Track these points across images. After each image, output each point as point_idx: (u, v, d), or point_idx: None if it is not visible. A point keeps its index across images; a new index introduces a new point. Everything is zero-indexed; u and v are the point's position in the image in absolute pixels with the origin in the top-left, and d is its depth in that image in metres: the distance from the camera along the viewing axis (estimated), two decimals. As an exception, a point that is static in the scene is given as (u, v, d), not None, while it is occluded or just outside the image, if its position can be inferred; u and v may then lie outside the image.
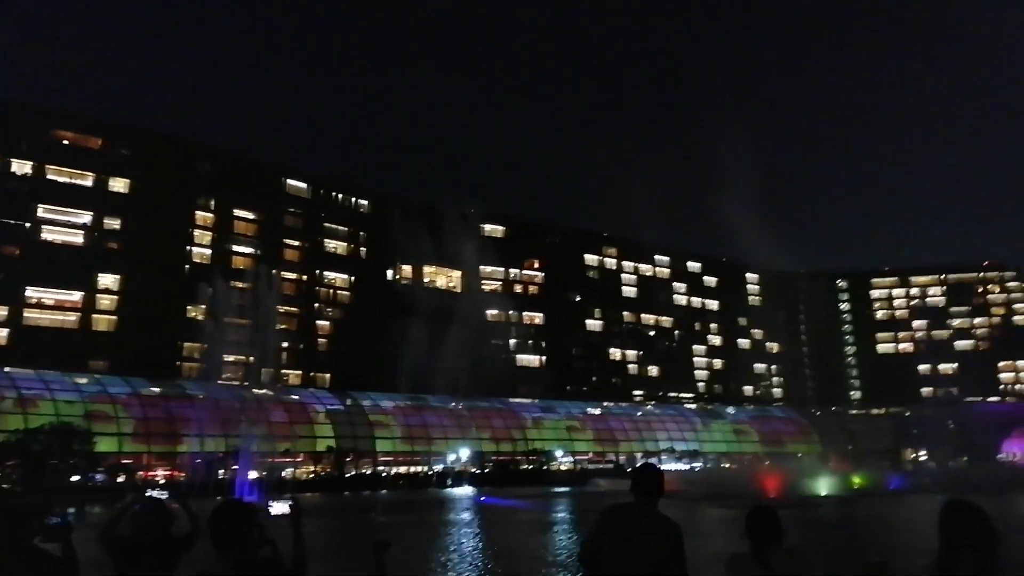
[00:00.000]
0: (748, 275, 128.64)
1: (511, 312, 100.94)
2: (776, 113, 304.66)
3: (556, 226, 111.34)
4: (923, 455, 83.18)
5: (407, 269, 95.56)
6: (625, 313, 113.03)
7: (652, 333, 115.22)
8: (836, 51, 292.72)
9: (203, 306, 74.92)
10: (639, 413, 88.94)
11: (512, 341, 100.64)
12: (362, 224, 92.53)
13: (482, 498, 41.38)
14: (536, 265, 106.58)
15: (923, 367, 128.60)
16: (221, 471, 44.42)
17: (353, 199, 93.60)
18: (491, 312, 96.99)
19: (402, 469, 61.50)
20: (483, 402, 71.30)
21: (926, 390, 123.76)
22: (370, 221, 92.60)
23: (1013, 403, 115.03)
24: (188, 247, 78.65)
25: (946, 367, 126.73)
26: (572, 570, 14.07)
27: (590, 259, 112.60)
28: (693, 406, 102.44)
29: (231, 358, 74.98)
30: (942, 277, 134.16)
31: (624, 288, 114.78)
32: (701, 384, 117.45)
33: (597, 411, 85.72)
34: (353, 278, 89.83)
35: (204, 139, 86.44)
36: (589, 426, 79.40)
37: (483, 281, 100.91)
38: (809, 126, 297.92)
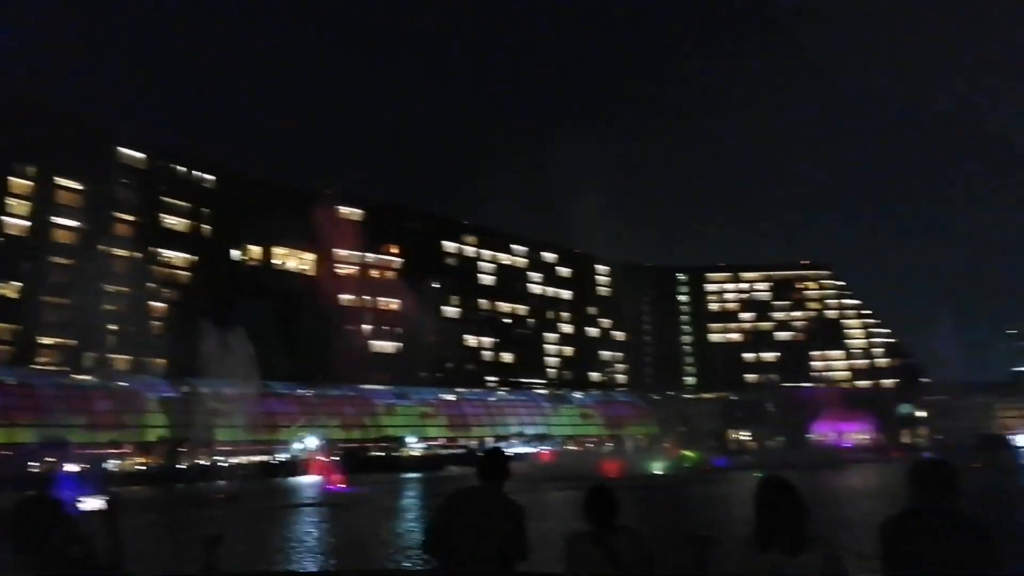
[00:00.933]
0: (598, 267, 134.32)
1: (366, 297, 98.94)
2: (631, 118, 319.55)
3: (416, 212, 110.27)
4: (746, 436, 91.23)
5: (255, 250, 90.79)
6: (482, 301, 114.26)
7: (507, 321, 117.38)
8: (688, 59, 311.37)
9: (18, 283, 67.34)
10: (492, 399, 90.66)
11: (366, 327, 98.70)
12: (206, 200, 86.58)
13: (329, 486, 40.41)
14: (394, 250, 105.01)
15: (748, 355, 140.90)
16: (34, 464, 40.05)
17: (196, 173, 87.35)
18: (345, 297, 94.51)
19: (244, 459, 58.74)
20: (334, 389, 69.53)
21: (750, 376, 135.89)
22: (215, 198, 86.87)
23: (823, 388, 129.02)
24: (1, 217, 70.12)
25: (768, 356, 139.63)
26: (418, 556, 14.01)
27: (449, 246, 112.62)
28: (544, 392, 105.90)
29: (49, 341, 67.89)
30: (768, 274, 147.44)
31: (481, 276, 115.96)
32: (552, 371, 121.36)
33: (451, 397, 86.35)
34: (195, 257, 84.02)
35: (24, 95, 76.45)
36: (443, 412, 79.83)
37: (338, 265, 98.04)
38: (659, 130, 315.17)
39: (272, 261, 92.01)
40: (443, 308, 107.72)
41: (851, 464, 55.10)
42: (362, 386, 76.61)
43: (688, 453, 53.95)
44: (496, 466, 4.33)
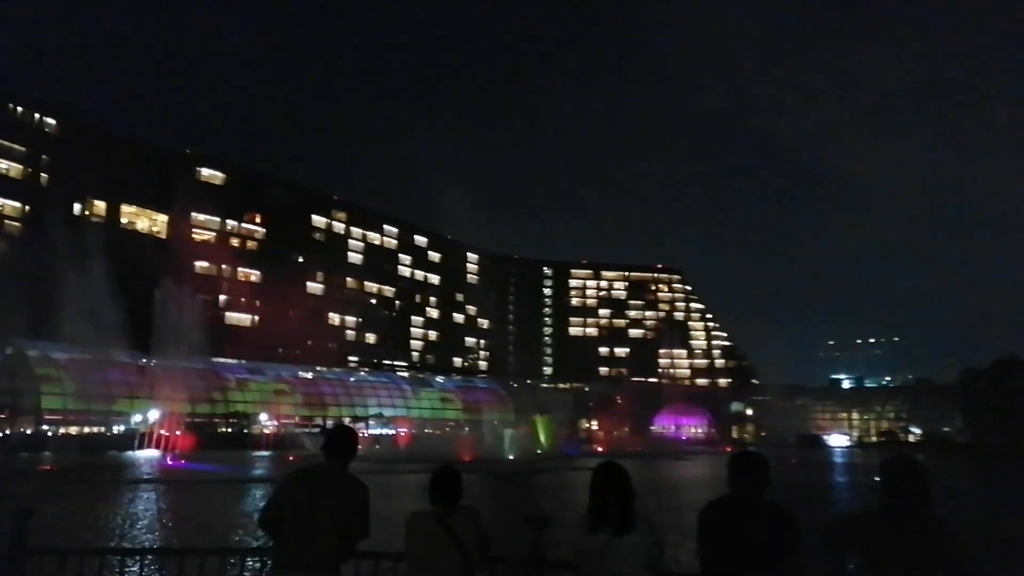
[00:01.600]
0: (469, 255, 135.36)
1: (224, 266, 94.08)
2: (502, 113, 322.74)
3: (283, 181, 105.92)
4: (595, 425, 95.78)
5: (100, 205, 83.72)
6: (349, 279, 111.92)
7: (374, 301, 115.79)
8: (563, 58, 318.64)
9: None
10: (352, 379, 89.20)
11: (223, 297, 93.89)
12: (46, 147, 78.73)
13: (170, 462, 38.46)
14: (258, 219, 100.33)
15: (603, 349, 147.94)
16: None
17: (36, 115, 79.14)
18: (200, 264, 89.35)
19: (73, 429, 54.44)
20: (181, 360, 65.73)
21: (603, 369, 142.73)
22: (57, 144, 79.18)
23: (667, 384, 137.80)
24: None
25: (621, 351, 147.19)
26: (255, 534, 13.80)
27: (318, 220, 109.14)
28: (406, 374, 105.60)
29: None
30: (626, 274, 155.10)
31: (351, 254, 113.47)
32: (415, 353, 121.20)
33: (309, 375, 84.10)
34: (28, 208, 76.23)
35: None
36: (299, 390, 77.58)
37: (194, 229, 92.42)
38: (525, 127, 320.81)
39: (120, 220, 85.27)
40: (307, 284, 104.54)
41: (687, 455, 59.48)
42: (213, 359, 72.93)
43: (541, 440, 55.93)
44: (342, 444, 4.27)
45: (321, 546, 3.93)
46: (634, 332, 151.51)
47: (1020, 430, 60.93)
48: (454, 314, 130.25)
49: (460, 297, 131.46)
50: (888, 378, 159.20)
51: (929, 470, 3.41)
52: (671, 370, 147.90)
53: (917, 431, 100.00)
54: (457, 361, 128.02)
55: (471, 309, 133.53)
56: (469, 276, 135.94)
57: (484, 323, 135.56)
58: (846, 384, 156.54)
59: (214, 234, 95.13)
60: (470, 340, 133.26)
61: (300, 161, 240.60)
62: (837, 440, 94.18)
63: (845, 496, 29.84)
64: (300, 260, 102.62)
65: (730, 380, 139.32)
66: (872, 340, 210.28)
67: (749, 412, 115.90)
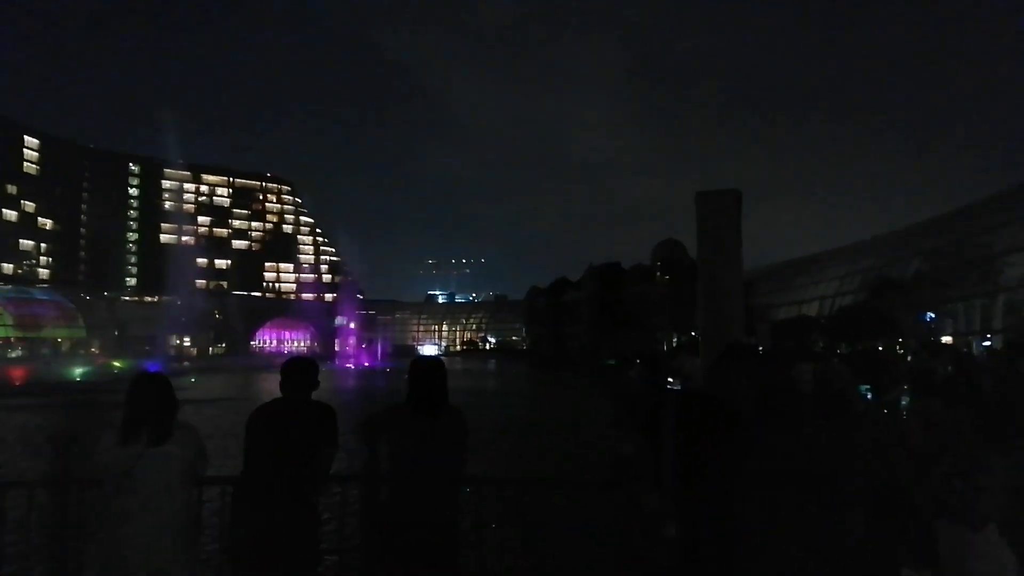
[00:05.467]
0: (27, 138, 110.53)
1: None
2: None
3: None
4: (187, 341, 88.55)
5: None
6: None
7: None
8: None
9: None
10: None
11: None
12: None
13: None
14: None
15: (201, 260, 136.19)
16: None
17: None
18: None
19: None
20: None
21: (200, 282, 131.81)
22: None
23: (272, 298, 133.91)
24: None
25: (221, 262, 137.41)
26: None
27: None
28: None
29: None
30: (231, 180, 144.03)
31: None
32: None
33: None
34: None
35: None
36: None
37: None
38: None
39: None
40: None
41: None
42: None
43: (116, 361, 49.51)
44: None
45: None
46: (238, 243, 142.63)
47: (566, 338, 74.05)
48: (4, 210, 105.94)
49: (13, 190, 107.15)
50: (475, 294, 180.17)
51: (445, 368, 3.90)
52: (277, 284, 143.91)
53: (493, 340, 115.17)
54: (8, 267, 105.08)
55: (28, 205, 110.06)
56: (27, 165, 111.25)
57: (47, 223, 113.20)
58: (440, 299, 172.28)
59: None
60: (27, 243, 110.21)
61: None
62: (428, 350, 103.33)
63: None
64: None
65: (336, 295, 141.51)
66: (465, 260, 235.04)
67: (352, 325, 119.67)
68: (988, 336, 30.31)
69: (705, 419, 3.21)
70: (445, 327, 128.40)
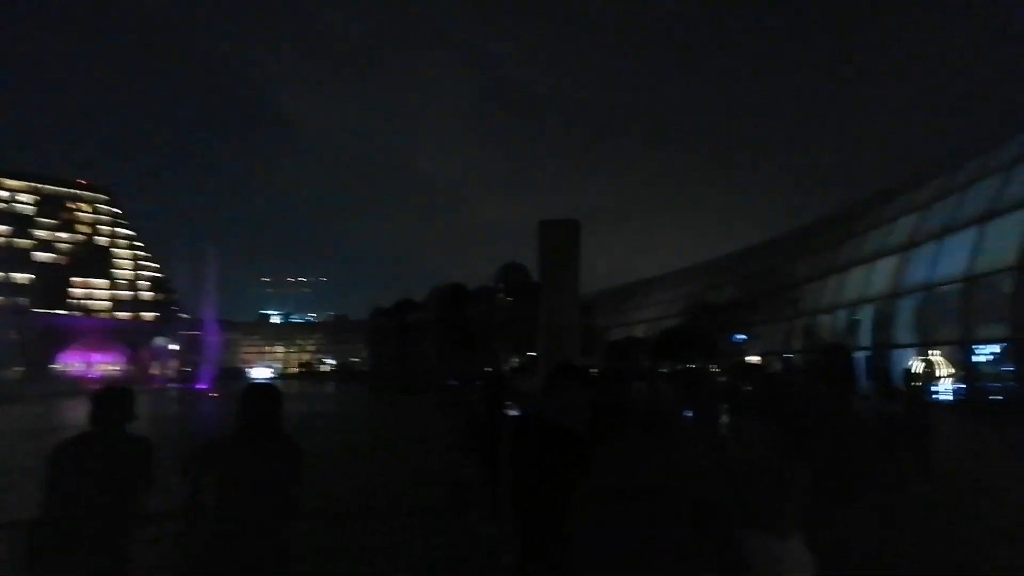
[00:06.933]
0: None
1: None
2: None
3: None
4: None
5: None
6: None
7: None
8: None
9: None
10: None
11: None
12: None
13: None
14: None
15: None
16: None
17: None
18: None
19: None
20: None
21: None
22: None
23: (79, 317, 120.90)
24: None
25: (22, 277, 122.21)
26: None
27: None
28: None
29: None
30: (37, 186, 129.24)
31: None
32: None
33: None
34: None
35: None
36: None
37: None
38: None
39: None
40: None
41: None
42: None
43: None
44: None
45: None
46: (41, 255, 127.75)
47: (410, 360, 73.20)
48: None
49: None
50: (313, 314, 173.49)
51: (280, 393, 3.70)
52: (87, 301, 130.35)
53: (331, 362, 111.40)
54: None
55: None
56: None
57: None
58: (275, 319, 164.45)
59: None
60: None
61: None
62: (260, 372, 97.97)
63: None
64: None
65: (157, 314, 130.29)
66: (304, 279, 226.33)
67: (174, 347, 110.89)
68: (789, 356, 33.82)
69: (543, 441, 3.28)
70: (280, 348, 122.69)
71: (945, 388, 23.72)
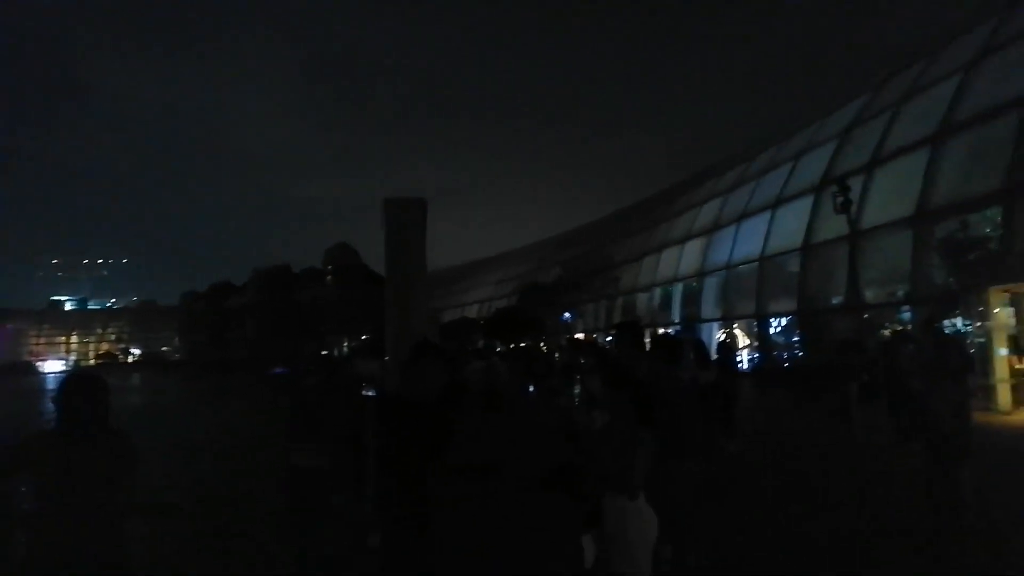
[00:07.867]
0: None
1: None
2: None
3: None
4: None
5: None
6: None
7: None
8: None
9: None
10: None
11: None
12: None
13: None
14: None
15: None
16: None
17: None
18: None
19: None
20: None
21: None
22: None
23: None
24: None
25: None
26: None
27: None
28: None
29: None
30: None
31: None
32: None
33: None
34: None
35: None
36: None
37: None
38: None
39: None
40: None
41: None
42: None
43: None
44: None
45: None
46: None
47: (230, 346, 68.93)
48: None
49: None
50: (113, 300, 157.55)
51: (108, 384, 3.37)
52: None
53: (137, 351, 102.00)
54: None
55: None
56: None
57: None
58: (69, 306, 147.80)
59: None
60: None
61: None
62: (53, 365, 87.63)
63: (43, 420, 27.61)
64: None
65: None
66: (100, 261, 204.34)
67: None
68: (611, 332, 36.02)
69: (406, 420, 3.24)
70: (75, 338, 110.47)
71: (743, 358, 26.46)
